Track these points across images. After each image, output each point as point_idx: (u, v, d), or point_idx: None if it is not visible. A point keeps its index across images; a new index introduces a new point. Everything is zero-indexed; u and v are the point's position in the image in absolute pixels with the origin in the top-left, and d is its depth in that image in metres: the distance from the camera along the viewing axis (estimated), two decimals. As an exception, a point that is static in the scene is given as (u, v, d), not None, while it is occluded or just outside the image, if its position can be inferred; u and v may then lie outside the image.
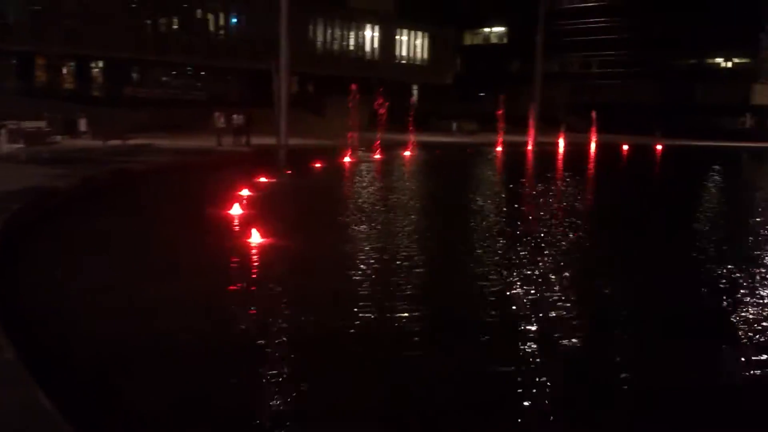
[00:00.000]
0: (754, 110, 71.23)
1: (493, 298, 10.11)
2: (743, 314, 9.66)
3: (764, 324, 9.23)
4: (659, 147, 48.89)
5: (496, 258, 12.90)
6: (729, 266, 12.46)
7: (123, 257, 12.13)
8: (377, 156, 35.96)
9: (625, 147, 47.52)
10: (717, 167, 37.84)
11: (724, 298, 10.53)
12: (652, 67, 74.75)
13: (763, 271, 12.46)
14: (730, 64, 74.51)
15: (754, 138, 66.33)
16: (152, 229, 14.77)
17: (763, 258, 13.90)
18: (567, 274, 11.87)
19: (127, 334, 8.11)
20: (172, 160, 28.87)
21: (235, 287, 10.31)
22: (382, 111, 42.55)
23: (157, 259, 12.11)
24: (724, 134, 66.27)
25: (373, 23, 69.87)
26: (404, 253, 12.87)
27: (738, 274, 11.91)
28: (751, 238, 16.35)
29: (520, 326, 8.83)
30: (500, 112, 51.15)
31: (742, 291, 10.85)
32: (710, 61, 75.27)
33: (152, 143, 34.21)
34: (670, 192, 27.28)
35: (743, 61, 73.15)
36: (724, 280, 11.59)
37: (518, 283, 10.94)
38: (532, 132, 50.86)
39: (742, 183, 33.75)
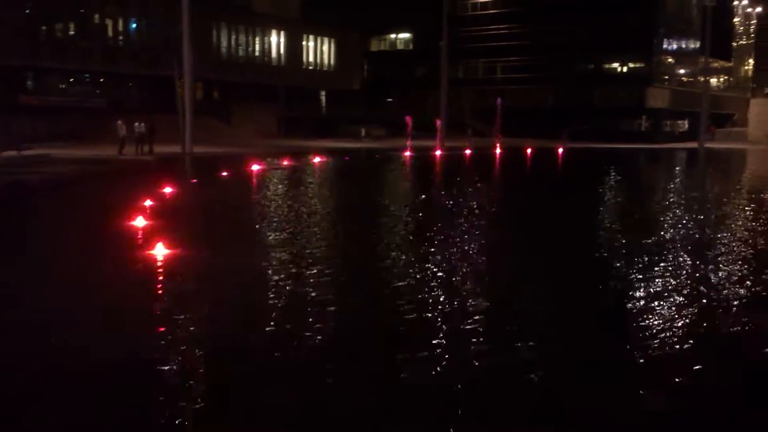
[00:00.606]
0: (649, 113, 74.26)
1: (401, 302, 10.03)
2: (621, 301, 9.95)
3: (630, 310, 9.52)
4: (560, 150, 50.31)
5: (410, 262, 12.83)
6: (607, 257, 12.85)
7: (15, 272, 11.50)
8: (286, 163, 35.62)
9: (529, 150, 48.69)
10: (613, 167, 39.24)
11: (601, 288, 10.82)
12: (553, 72, 76.86)
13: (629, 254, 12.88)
14: (626, 69, 77.44)
15: (650, 140, 69.23)
16: (49, 243, 14.12)
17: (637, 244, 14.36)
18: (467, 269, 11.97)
19: (16, 353, 7.66)
20: (72, 170, 27.81)
21: (136, 301, 9.90)
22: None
23: (54, 273, 11.55)
24: (623, 136, 68.89)
25: (278, 29, 69.32)
26: (312, 261, 12.67)
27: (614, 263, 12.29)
28: (633, 229, 16.85)
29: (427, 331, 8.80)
30: (409, 118, 51.70)
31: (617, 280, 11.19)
32: (607, 66, 78.01)
33: (51, 153, 32.89)
34: (565, 190, 27.99)
35: (638, 65, 76.17)
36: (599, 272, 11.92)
37: (427, 288, 10.93)
38: (439, 137, 51.51)
39: (634, 181, 35.03)
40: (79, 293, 10.44)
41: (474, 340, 8.54)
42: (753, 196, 26.93)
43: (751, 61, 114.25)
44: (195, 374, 7.43)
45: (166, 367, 7.50)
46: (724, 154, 56.92)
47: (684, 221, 19.18)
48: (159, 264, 12.09)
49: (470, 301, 10.36)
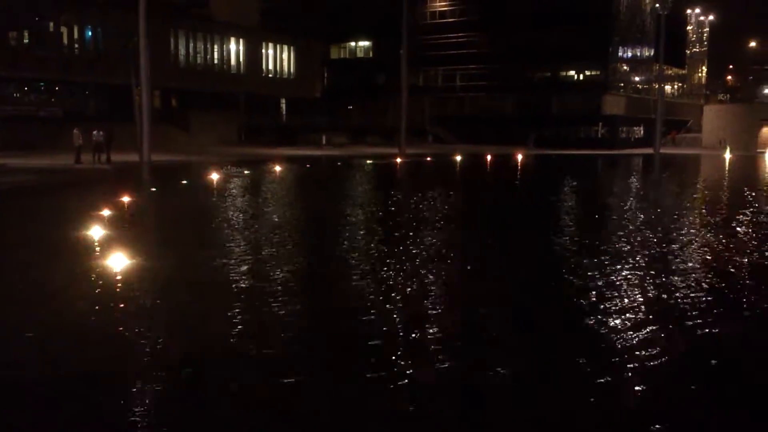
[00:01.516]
0: (605, 120, 75.43)
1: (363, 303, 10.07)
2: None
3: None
4: (519, 156, 50.86)
5: (368, 266, 12.88)
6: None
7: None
8: (246, 171, 35.45)
9: (489, 157, 49.12)
10: (570, 173, 39.81)
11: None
12: (511, 80, 77.71)
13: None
14: (582, 77, 78.58)
15: (606, 146, 70.32)
16: (2, 253, 13.89)
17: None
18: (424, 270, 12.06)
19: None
20: (26, 179, 27.38)
21: (93, 312, 9.78)
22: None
23: (4, 286, 11.37)
24: (581, 143, 69.95)
25: (237, 36, 69.06)
26: (275, 269, 12.65)
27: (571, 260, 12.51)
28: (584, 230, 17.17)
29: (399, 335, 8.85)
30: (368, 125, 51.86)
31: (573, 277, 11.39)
32: (564, 73, 79.09)
33: (5, 163, 32.38)
34: (524, 195, 28.34)
35: (594, 73, 77.35)
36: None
37: (393, 293, 10.99)
38: (400, 144, 51.74)
39: (589, 185, 35.56)
40: (31, 304, 10.28)
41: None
42: (706, 197, 27.57)
43: (704, 68, 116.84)
44: (142, 384, 7.37)
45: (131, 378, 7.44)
46: (679, 160, 58.05)
47: (635, 223, 19.53)
48: (115, 274, 11.96)
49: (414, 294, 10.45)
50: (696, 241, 16.61)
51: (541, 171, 44.91)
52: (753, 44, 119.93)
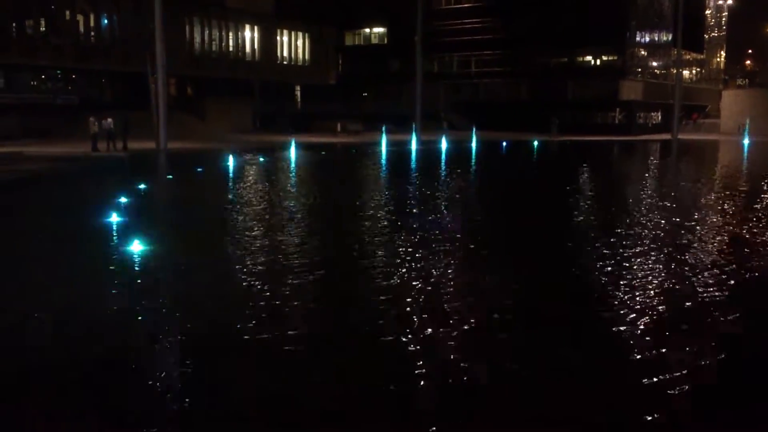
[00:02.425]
0: (622, 105, 74.79)
1: (384, 296, 10.03)
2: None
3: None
4: (536, 143, 50.55)
5: (389, 255, 12.83)
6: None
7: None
8: (262, 159, 35.46)
9: (504, 144, 48.91)
10: (587, 159, 39.54)
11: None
12: (526, 65, 77.23)
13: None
14: (599, 62, 77.93)
15: (624, 132, 69.77)
16: (22, 241, 13.97)
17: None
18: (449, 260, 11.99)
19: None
20: (44, 167, 27.54)
21: (115, 299, 9.82)
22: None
23: (30, 272, 11.43)
24: (598, 129, 69.42)
25: (252, 23, 68.96)
26: (295, 256, 12.64)
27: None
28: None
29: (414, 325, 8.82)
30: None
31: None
32: (581, 59, 78.46)
33: (23, 151, 32.59)
34: (539, 183, 28.15)
35: (611, 58, 76.66)
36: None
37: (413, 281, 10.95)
38: (414, 131, 51.60)
39: (607, 172, 35.31)
40: (51, 291, 10.33)
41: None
42: (726, 184, 27.29)
43: (722, 52, 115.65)
44: (164, 370, 7.38)
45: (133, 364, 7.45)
46: (698, 145, 57.51)
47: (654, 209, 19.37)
48: (133, 261, 12.00)
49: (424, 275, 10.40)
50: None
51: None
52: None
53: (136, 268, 11.64)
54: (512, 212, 19.89)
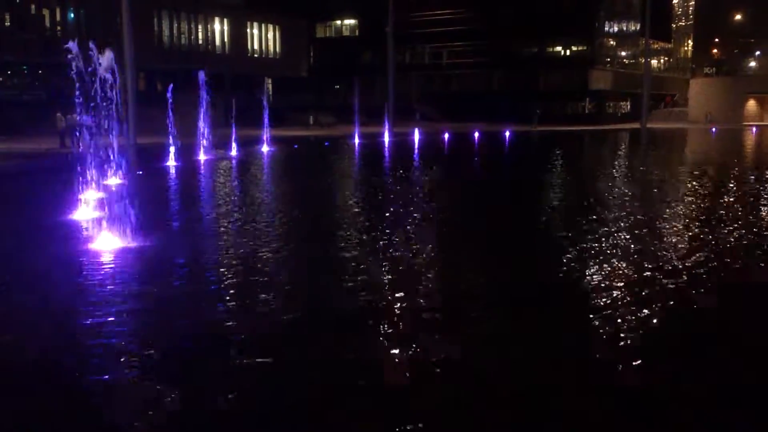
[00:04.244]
0: (592, 95, 75.44)
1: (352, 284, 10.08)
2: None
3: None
4: (507, 133, 50.83)
5: (365, 247, 12.87)
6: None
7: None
8: (233, 153, 35.28)
9: (476, 135, 49.12)
10: (557, 149, 39.87)
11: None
12: (497, 56, 77.52)
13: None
14: (569, 52, 78.47)
15: (594, 121, 70.43)
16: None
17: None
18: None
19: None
20: (10, 164, 27.17)
21: (83, 296, 9.75)
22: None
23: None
24: (569, 119, 69.99)
25: (221, 16, 68.38)
26: (266, 250, 12.62)
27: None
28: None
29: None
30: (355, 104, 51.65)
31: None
32: (550, 49, 78.96)
33: (-12, 147, 32.05)
34: (510, 171, 28.39)
35: (581, 48, 77.23)
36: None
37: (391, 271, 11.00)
38: (387, 123, 51.57)
39: (575, 162, 35.66)
40: (25, 289, 10.23)
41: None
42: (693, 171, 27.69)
43: (690, 42, 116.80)
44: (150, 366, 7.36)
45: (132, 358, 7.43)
46: (665, 134, 58.20)
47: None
48: (101, 257, 11.92)
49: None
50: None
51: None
52: (738, 17, 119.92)
53: (100, 263, 11.56)
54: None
